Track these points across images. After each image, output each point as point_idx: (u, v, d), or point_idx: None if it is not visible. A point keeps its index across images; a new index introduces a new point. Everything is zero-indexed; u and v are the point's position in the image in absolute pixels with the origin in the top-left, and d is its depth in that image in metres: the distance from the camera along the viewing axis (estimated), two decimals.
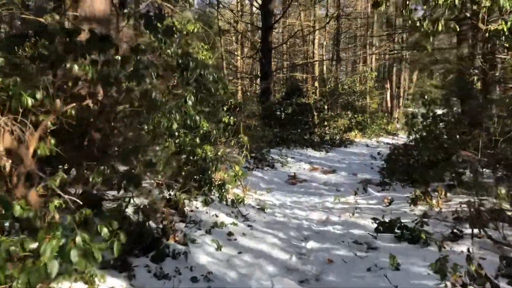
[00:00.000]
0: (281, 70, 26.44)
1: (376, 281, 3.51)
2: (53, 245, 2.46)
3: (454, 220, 4.66)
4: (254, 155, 11.80)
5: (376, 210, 5.87)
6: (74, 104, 3.96)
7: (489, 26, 5.15)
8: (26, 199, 3.20)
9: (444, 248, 3.99)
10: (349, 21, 25.48)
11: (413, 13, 5.19)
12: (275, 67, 24.49)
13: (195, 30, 8.63)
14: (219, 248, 4.27)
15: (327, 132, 17.26)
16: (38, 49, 3.91)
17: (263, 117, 15.49)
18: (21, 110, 3.31)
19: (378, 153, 13.50)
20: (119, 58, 4.26)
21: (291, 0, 20.45)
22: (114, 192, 4.66)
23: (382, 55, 24.22)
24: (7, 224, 3.21)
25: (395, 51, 21.22)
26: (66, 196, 3.39)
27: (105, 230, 2.81)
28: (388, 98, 23.51)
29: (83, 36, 4.19)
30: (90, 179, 4.21)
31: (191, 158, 5.80)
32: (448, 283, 3.18)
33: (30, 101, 3.20)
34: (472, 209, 4.06)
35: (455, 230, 4.25)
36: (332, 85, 20.02)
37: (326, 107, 18.18)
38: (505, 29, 4.89)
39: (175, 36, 5.11)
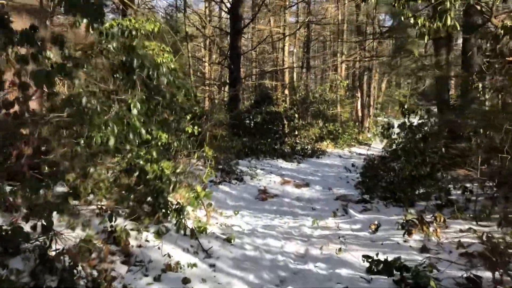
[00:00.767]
0: (250, 77, 25.69)
1: None
2: None
3: (460, 256, 3.89)
4: (221, 167, 10.88)
5: (362, 239, 5.04)
6: None
7: (505, 21, 4.50)
8: None
9: None
10: (320, 28, 25.10)
11: (406, 9, 4.48)
12: (244, 74, 23.75)
13: (156, 30, 7.67)
14: None
15: (298, 141, 16.57)
16: None
17: (231, 126, 14.59)
18: None
19: (353, 165, 12.86)
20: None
21: (260, 5, 19.79)
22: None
23: (352, 63, 23.94)
24: None
25: (366, 59, 20.92)
26: None
27: None
28: (359, 107, 23.18)
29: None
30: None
31: (143, 177, 4.80)
32: None
33: None
34: (488, 245, 3.30)
35: (471, 275, 3.45)
36: (302, 93, 19.44)
37: (297, 115, 17.51)
38: None
39: (121, 29, 4.13)
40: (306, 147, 15.91)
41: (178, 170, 5.60)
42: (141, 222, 4.57)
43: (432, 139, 8.45)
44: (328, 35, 25.58)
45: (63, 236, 3.65)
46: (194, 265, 3.98)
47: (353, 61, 23.40)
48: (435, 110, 10.67)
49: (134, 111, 3.46)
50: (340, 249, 4.43)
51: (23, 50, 3.32)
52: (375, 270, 3.83)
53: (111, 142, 3.26)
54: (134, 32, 4.41)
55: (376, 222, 5.33)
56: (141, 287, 3.38)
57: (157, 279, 3.60)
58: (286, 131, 16.69)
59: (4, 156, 3.82)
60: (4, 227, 3.28)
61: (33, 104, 4.12)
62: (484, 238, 3.84)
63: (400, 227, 4.97)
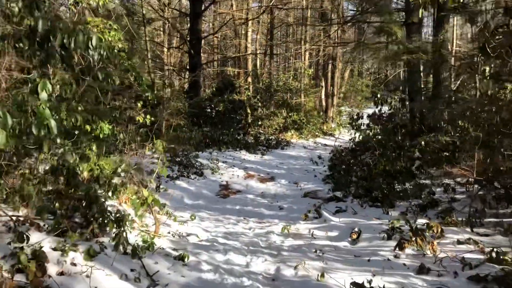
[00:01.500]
0: (211, 64, 24.55)
1: None
2: None
3: (469, 280, 3.19)
4: (179, 160, 9.91)
5: (343, 252, 4.25)
6: None
7: None
8: None
9: None
10: (283, 15, 24.28)
11: None
12: (206, 60, 22.58)
13: (100, 3, 6.57)
14: None
15: (262, 132, 15.80)
16: None
17: (190, 115, 13.57)
18: None
19: (319, 157, 12.24)
20: None
21: None
22: None
23: (316, 52, 23.36)
24: None
25: (333, 45, 20.35)
26: None
27: None
28: (323, 97, 22.66)
29: None
30: None
31: (71, 179, 3.80)
32: None
33: None
34: (501, 265, 2.63)
35: None
36: (266, 81, 18.64)
37: (260, 104, 16.71)
38: None
39: None
40: (270, 138, 15.20)
41: (120, 169, 4.61)
42: (68, 237, 3.59)
43: (405, 130, 7.91)
44: (292, 22, 24.84)
45: None
46: None
47: (317, 49, 22.81)
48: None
49: (43, 95, 2.46)
50: (322, 274, 3.46)
51: None
52: None
53: (2, 138, 2.25)
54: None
55: (356, 229, 4.60)
56: None
57: None
58: (250, 121, 15.87)
59: None
60: None
61: None
62: (493, 255, 3.22)
63: (385, 236, 4.28)
